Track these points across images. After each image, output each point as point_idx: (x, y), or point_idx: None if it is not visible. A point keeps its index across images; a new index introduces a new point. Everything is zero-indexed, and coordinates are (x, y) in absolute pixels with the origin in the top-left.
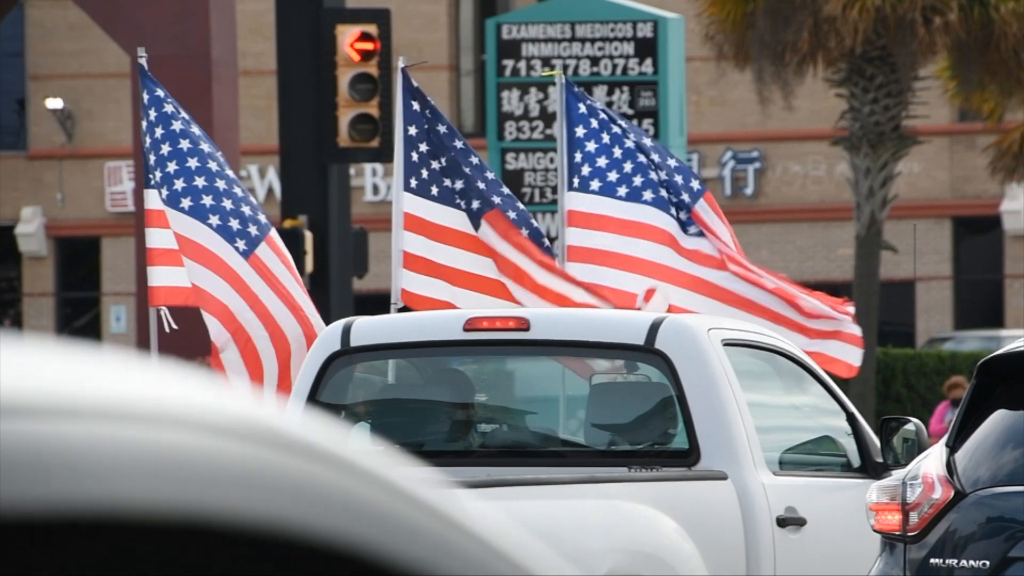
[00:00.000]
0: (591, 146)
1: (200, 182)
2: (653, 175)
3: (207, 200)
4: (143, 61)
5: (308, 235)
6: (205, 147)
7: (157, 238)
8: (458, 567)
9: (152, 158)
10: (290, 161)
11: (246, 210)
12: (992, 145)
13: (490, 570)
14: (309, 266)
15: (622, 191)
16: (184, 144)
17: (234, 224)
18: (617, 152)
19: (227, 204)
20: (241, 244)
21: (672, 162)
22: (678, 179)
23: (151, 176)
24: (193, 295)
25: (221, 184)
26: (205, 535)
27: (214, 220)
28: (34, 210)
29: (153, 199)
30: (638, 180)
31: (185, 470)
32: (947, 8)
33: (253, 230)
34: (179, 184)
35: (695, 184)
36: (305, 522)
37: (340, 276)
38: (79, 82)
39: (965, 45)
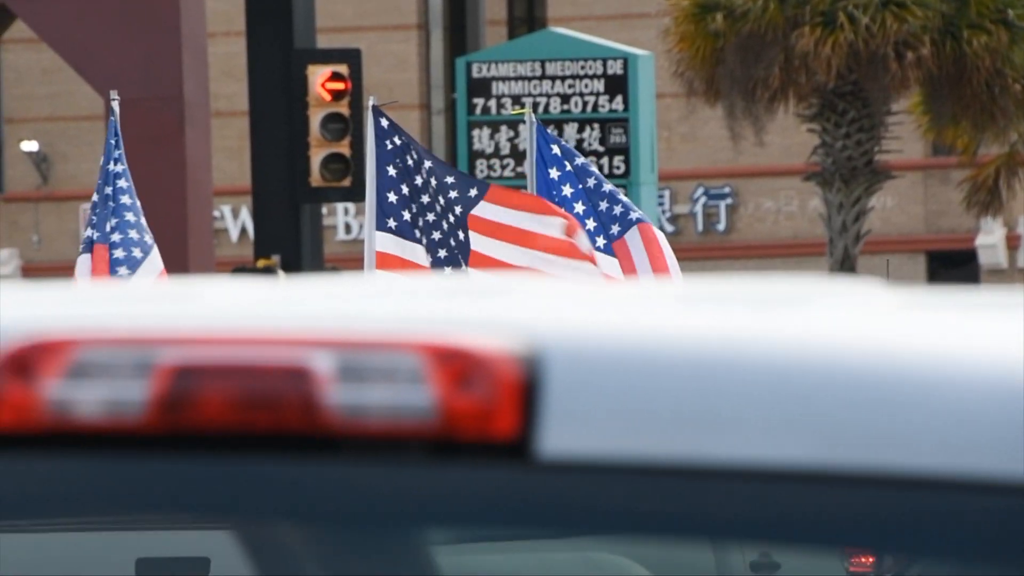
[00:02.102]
0: (567, 190)
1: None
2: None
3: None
4: (116, 104)
5: (281, 274)
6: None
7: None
8: None
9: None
10: (263, 201)
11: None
12: (967, 179)
13: None
14: None
15: (600, 241)
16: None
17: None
18: (572, 191)
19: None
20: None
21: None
22: (617, 210)
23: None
24: None
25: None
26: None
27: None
28: (10, 252)
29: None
30: (590, 224)
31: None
32: (919, 43)
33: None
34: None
35: (633, 215)
36: None
37: None
38: (53, 125)
39: (938, 80)
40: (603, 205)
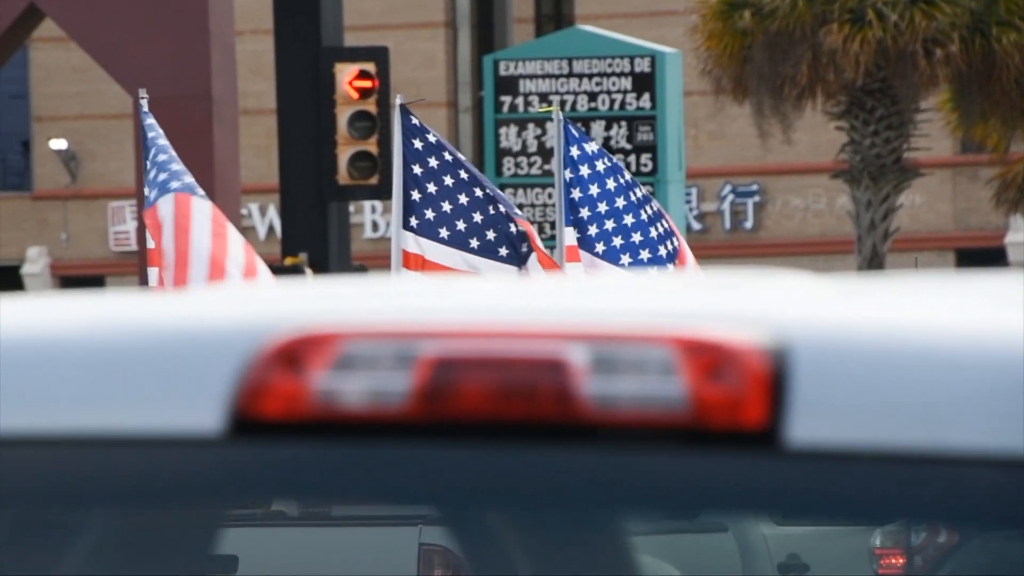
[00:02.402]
0: (594, 189)
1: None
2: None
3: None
4: (144, 102)
5: (309, 272)
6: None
7: (157, 277)
8: None
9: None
10: (290, 199)
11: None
12: (996, 177)
13: None
14: None
15: (616, 242)
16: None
17: None
18: (619, 201)
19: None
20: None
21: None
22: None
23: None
24: None
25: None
26: None
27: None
28: (39, 250)
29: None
30: (637, 237)
31: None
32: (948, 40)
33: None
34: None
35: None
36: None
37: None
38: (82, 123)
39: (966, 77)
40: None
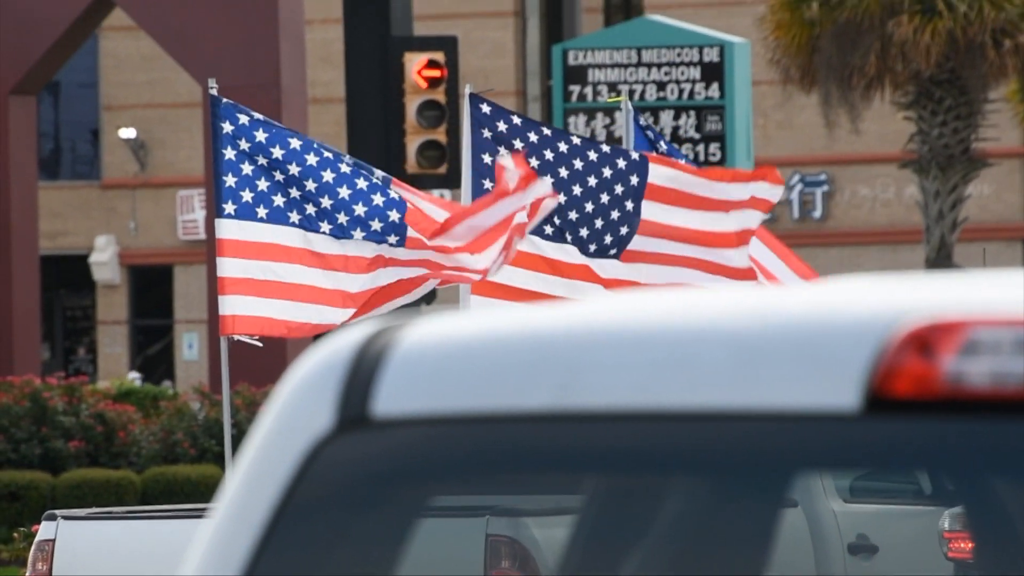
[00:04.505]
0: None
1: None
2: None
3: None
4: (214, 91)
5: None
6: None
7: (228, 267)
8: None
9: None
10: None
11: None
12: None
13: None
14: None
15: None
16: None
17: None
18: None
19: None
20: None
21: None
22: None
23: (224, 205)
24: (269, 324)
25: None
26: None
27: (325, 226)
28: (108, 239)
29: (225, 228)
30: None
31: None
32: (1017, 31)
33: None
34: (279, 200)
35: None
36: None
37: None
38: (151, 112)
39: None
40: None
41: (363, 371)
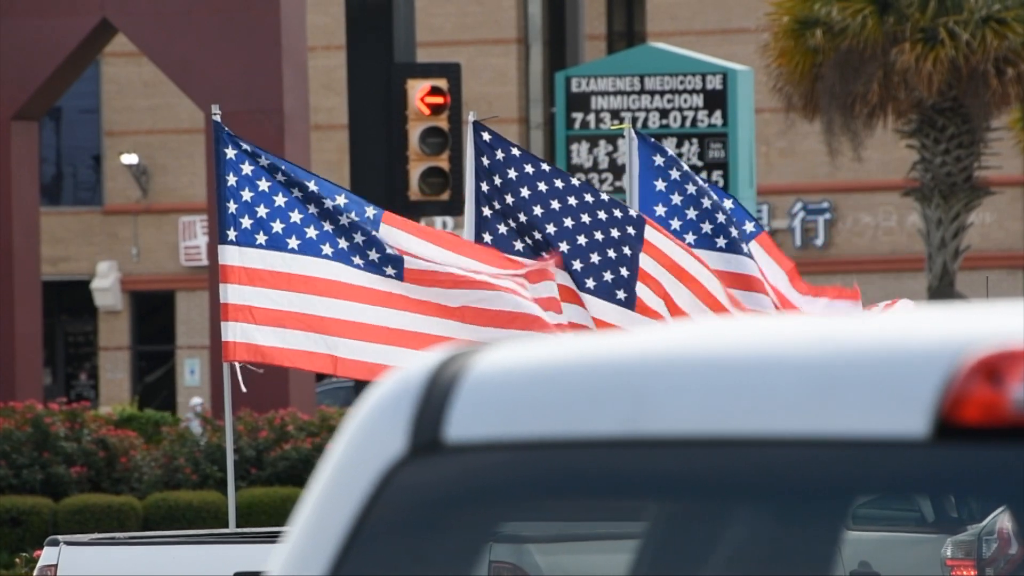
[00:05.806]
0: (676, 199)
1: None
2: (721, 218)
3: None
4: (217, 117)
5: None
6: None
7: (231, 293)
8: None
9: (233, 207)
10: None
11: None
12: None
13: None
14: None
15: (690, 238)
16: (271, 185)
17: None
18: (681, 199)
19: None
20: (360, 261)
21: (728, 203)
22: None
23: (227, 231)
24: (270, 353)
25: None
26: None
27: (327, 249)
28: (110, 265)
29: (228, 254)
30: (707, 227)
31: None
32: (1020, 59)
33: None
34: (278, 226)
35: (749, 227)
36: None
37: None
38: (153, 138)
39: None
40: (720, 217)
41: (436, 396)
